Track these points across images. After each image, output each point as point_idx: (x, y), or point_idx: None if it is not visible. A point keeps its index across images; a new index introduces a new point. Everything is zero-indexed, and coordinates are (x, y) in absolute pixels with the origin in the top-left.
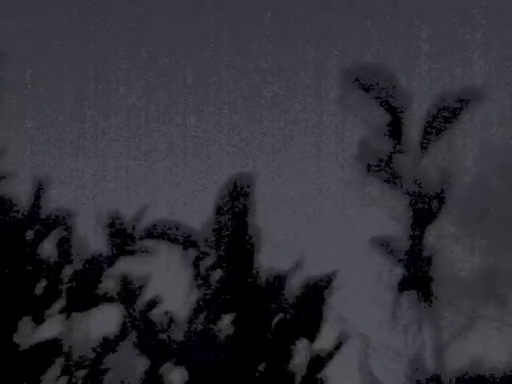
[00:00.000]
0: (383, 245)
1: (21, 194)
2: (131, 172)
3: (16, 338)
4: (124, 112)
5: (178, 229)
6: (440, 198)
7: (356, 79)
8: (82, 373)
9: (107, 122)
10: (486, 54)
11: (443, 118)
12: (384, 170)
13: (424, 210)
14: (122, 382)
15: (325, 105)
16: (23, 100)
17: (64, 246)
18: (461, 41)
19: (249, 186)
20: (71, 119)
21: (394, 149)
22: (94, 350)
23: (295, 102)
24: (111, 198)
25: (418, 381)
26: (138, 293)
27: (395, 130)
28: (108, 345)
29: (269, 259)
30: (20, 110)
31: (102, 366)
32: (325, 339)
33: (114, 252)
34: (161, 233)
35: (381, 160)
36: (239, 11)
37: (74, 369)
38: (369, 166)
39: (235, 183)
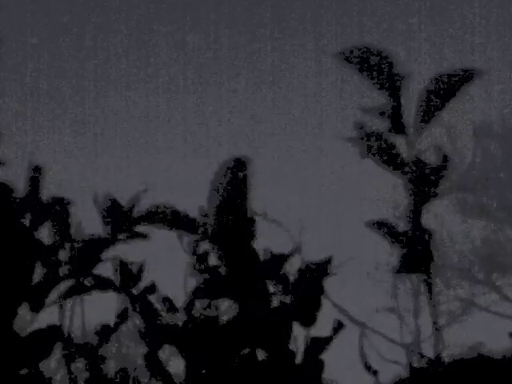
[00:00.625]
0: (380, 228)
1: (17, 181)
2: (130, 157)
3: (15, 326)
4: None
5: (175, 213)
6: (438, 178)
7: (347, 59)
8: (81, 360)
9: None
10: (486, 53)
11: (439, 98)
12: (382, 151)
13: (422, 191)
14: (122, 369)
15: (324, 104)
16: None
17: (61, 230)
18: (461, 40)
19: (245, 169)
20: (70, 101)
21: (392, 130)
22: (92, 336)
23: (295, 102)
24: (108, 183)
25: (410, 364)
26: (136, 277)
27: (393, 111)
28: (107, 331)
29: (266, 243)
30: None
31: (101, 354)
32: (321, 326)
33: (111, 236)
34: (157, 217)
35: (378, 141)
36: (239, 12)
37: (73, 356)
38: (368, 148)
39: (230, 167)
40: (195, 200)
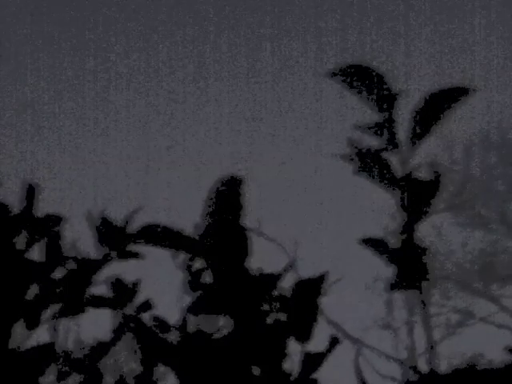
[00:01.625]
0: (373, 245)
1: (11, 200)
2: (125, 174)
3: (10, 344)
4: (123, 112)
5: (169, 232)
6: (431, 192)
7: (334, 74)
8: (77, 377)
9: (104, 123)
10: (486, 53)
11: (433, 113)
12: (374, 168)
13: (415, 206)
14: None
15: (324, 106)
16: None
17: (54, 249)
18: (460, 40)
19: (238, 188)
20: (67, 119)
21: (385, 148)
22: (88, 353)
23: (294, 103)
24: (102, 201)
25: (408, 380)
26: (130, 295)
27: (386, 128)
28: (102, 348)
29: (259, 261)
30: (16, 114)
31: (98, 370)
32: (316, 342)
33: (105, 255)
34: (152, 236)
35: (371, 158)
36: (239, 12)
37: (68, 373)
38: (361, 165)
39: (223, 185)
40: (195, 200)
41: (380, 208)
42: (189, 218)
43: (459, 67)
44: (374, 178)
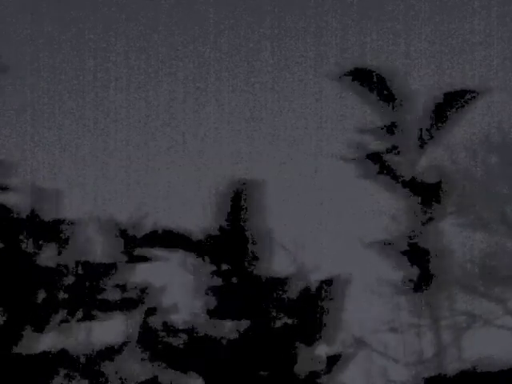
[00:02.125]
0: (382, 248)
1: (20, 204)
2: (130, 176)
3: (18, 349)
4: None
5: (178, 235)
6: (438, 195)
7: (348, 80)
8: (84, 382)
9: (105, 126)
10: (487, 53)
11: (440, 116)
12: (381, 171)
13: (422, 209)
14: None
15: (324, 106)
16: (21, 103)
17: (64, 254)
18: (461, 41)
19: (249, 193)
20: (69, 120)
21: (391, 150)
22: (96, 358)
23: (294, 103)
24: (111, 205)
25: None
26: (140, 300)
27: (392, 131)
28: (111, 353)
29: (270, 264)
30: (18, 115)
31: (106, 374)
32: (325, 345)
33: (115, 259)
34: (161, 240)
35: (378, 161)
36: (239, 12)
37: (76, 377)
38: (368, 169)
39: (237, 189)
40: (195, 200)
41: (381, 209)
42: (189, 218)
43: (459, 67)
44: (383, 180)
